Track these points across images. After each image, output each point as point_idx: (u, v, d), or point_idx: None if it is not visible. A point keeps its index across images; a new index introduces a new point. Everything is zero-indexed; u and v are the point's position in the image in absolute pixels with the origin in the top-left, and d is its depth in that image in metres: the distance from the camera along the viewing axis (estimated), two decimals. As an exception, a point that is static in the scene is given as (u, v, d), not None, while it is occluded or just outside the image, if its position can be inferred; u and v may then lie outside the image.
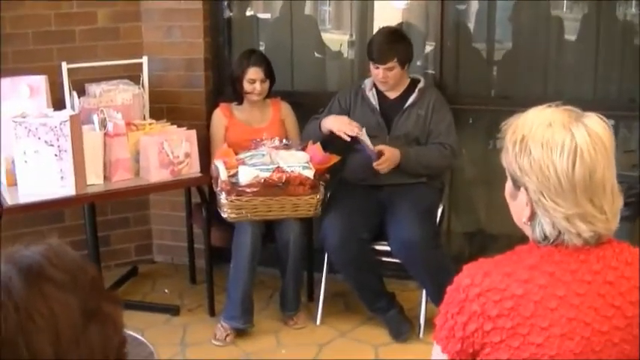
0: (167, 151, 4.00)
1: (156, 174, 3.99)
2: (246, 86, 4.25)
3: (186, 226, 4.68)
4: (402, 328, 4.08)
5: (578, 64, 4.64)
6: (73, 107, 4.02)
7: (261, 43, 5.03)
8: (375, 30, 4.52)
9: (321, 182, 3.98)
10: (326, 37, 5.03)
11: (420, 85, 4.19)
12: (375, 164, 4.00)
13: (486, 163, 4.75)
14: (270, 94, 4.35)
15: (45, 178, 3.69)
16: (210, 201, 4.28)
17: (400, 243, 3.93)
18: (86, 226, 4.34)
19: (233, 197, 3.87)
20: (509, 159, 1.66)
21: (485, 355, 1.63)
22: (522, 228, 1.71)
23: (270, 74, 4.28)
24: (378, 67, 4.08)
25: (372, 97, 4.20)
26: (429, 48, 4.70)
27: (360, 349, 4.02)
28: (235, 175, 3.88)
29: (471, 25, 4.80)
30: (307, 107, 4.68)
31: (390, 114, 4.18)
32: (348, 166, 4.22)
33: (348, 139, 4.01)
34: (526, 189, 1.64)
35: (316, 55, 5.06)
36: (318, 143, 4.09)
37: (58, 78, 4.10)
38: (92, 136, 3.91)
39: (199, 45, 4.68)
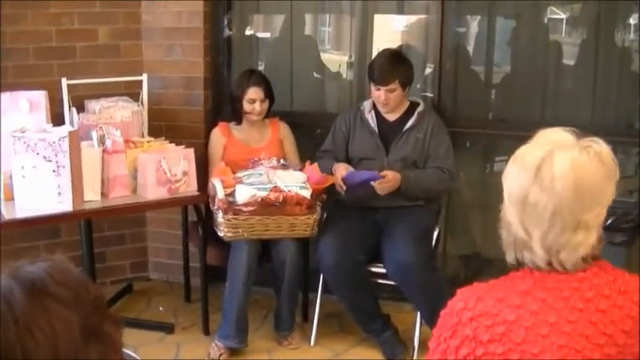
0: (165, 169, 4.00)
1: (153, 192, 4.00)
2: (246, 106, 4.26)
3: (182, 244, 4.68)
4: (396, 350, 4.07)
5: (576, 88, 4.66)
6: (72, 123, 4.03)
7: (260, 62, 5.04)
8: (375, 52, 4.55)
9: (317, 202, 3.98)
10: (325, 57, 5.05)
11: (420, 108, 4.20)
12: (377, 183, 4.00)
13: (483, 187, 4.76)
14: (269, 114, 4.36)
15: (42, 193, 3.69)
16: (206, 219, 4.27)
17: (396, 265, 3.93)
18: (82, 242, 4.33)
19: (230, 216, 3.87)
20: None
21: (478, 379, 1.63)
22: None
23: (269, 94, 4.29)
24: (379, 89, 4.09)
25: (371, 119, 4.21)
26: (428, 70, 4.72)
27: (354, 371, 4.02)
28: (232, 193, 3.88)
29: (470, 48, 4.82)
30: (306, 127, 4.71)
31: (388, 136, 4.19)
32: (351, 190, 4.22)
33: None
34: None
35: (315, 75, 5.07)
36: (316, 163, 4.10)
37: (58, 94, 4.12)
38: (90, 153, 3.91)
39: (199, 64, 4.70)
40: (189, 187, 4.10)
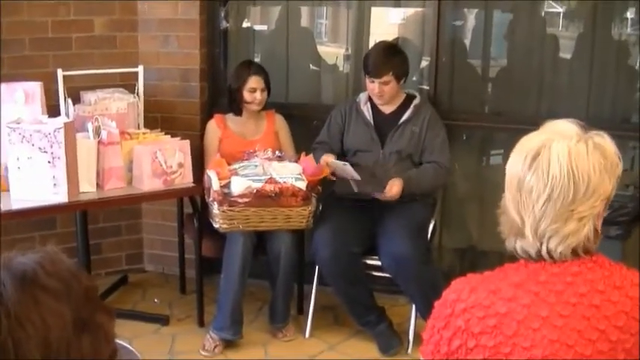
0: (160, 161, 4.00)
1: (148, 183, 3.99)
2: (247, 96, 4.25)
3: (178, 236, 4.68)
4: (391, 342, 4.08)
5: (572, 82, 4.66)
6: (67, 114, 4.02)
7: (256, 54, 5.03)
8: (371, 44, 4.54)
9: (313, 194, 3.98)
10: (322, 50, 5.04)
11: (416, 101, 4.20)
12: (380, 196, 4.00)
13: (479, 180, 4.75)
14: (265, 106, 4.35)
15: (38, 184, 3.69)
16: (202, 211, 4.27)
17: (391, 258, 3.93)
18: (77, 234, 4.34)
19: (225, 207, 3.87)
20: None
21: (469, 372, 1.62)
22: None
23: (268, 85, 4.29)
24: (373, 81, 4.09)
25: (367, 111, 4.21)
26: (424, 63, 4.71)
27: (349, 363, 4.02)
28: (228, 185, 3.88)
29: (467, 42, 4.81)
30: (302, 119, 4.70)
31: (384, 129, 4.19)
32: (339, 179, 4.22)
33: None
34: None
35: (312, 67, 5.06)
36: (311, 155, 4.10)
37: (54, 85, 4.11)
38: (86, 144, 3.91)
39: (195, 55, 4.69)
40: (184, 178, 4.10)
